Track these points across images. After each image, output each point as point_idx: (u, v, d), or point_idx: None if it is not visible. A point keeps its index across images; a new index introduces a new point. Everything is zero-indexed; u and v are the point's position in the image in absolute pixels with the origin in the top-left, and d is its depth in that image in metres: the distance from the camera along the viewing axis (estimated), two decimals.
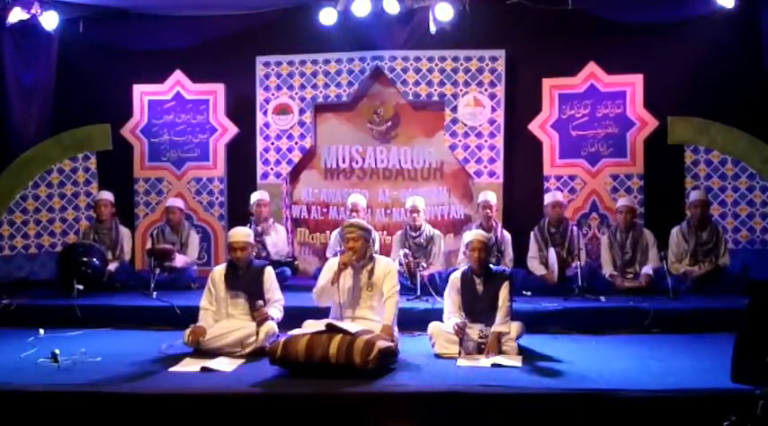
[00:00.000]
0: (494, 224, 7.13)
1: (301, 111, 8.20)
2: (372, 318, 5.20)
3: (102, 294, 6.89)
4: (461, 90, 7.93)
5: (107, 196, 7.71)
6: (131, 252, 7.83)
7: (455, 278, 5.48)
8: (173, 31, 8.14)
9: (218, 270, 5.62)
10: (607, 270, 7.07)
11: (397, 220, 8.10)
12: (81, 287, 6.71)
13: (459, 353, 5.12)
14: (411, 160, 8.21)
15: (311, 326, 4.95)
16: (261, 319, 5.34)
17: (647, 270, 6.87)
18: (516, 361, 4.98)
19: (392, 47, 8.05)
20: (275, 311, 5.47)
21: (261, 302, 5.42)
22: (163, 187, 8.30)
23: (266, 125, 8.25)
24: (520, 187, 7.97)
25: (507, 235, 7.20)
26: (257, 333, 5.27)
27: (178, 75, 8.32)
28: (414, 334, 5.73)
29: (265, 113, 8.25)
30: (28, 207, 8.14)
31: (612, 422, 4.20)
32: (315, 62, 8.16)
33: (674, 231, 7.07)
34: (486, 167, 7.88)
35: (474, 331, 5.20)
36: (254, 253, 6.13)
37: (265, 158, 8.23)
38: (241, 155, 8.32)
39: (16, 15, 7.66)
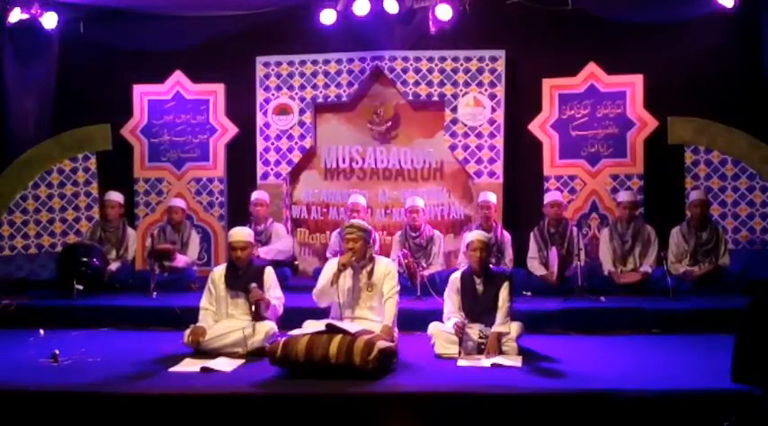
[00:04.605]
0: (493, 224, 7.13)
1: (301, 112, 8.20)
2: (372, 318, 5.20)
3: (103, 294, 6.90)
4: (461, 90, 7.93)
5: (115, 197, 7.69)
6: (134, 253, 7.82)
7: (455, 278, 5.48)
8: (173, 31, 8.12)
9: (219, 271, 5.62)
10: (606, 266, 7.07)
11: (397, 220, 8.09)
12: (81, 287, 6.72)
13: (459, 353, 5.12)
14: (411, 160, 8.21)
15: (311, 326, 4.95)
16: (256, 300, 5.31)
17: (646, 268, 6.90)
18: (516, 361, 4.98)
19: (392, 47, 8.05)
20: (274, 300, 5.46)
21: (254, 284, 5.38)
22: (163, 187, 8.30)
23: (266, 125, 8.25)
24: (520, 187, 7.96)
25: (507, 236, 7.21)
26: (254, 311, 5.28)
27: (178, 75, 8.32)
28: (414, 334, 5.73)
29: (265, 113, 8.25)
30: (28, 207, 8.14)
31: (612, 422, 4.20)
32: (315, 62, 8.16)
33: (674, 231, 7.07)
34: (486, 167, 7.88)
35: (474, 331, 5.20)
36: (255, 254, 6.13)
37: (265, 158, 8.23)
38: (241, 155, 8.32)
39: (16, 15, 7.67)
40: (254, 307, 5.33)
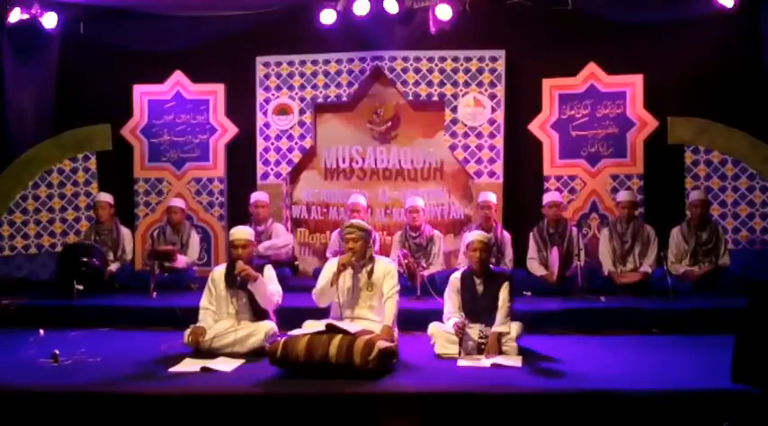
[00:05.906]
0: (493, 224, 7.14)
1: (301, 112, 8.20)
2: (372, 318, 5.20)
3: (102, 294, 6.90)
4: (461, 90, 7.93)
5: (105, 198, 7.71)
6: (132, 253, 7.82)
7: (455, 278, 5.48)
8: (173, 31, 8.13)
9: (219, 270, 5.62)
10: (606, 266, 7.07)
11: (397, 220, 8.09)
12: (81, 287, 6.72)
13: (459, 353, 5.12)
14: (411, 160, 8.21)
15: (311, 326, 4.96)
16: (244, 275, 5.31)
17: (646, 268, 6.91)
18: (516, 361, 4.98)
19: (392, 47, 8.04)
20: (270, 286, 5.46)
21: (240, 262, 5.39)
22: (163, 187, 8.29)
23: (266, 125, 8.25)
24: (520, 187, 7.96)
25: (507, 236, 7.21)
26: (240, 282, 5.35)
27: (178, 75, 8.32)
28: (414, 334, 5.73)
29: (265, 113, 8.25)
30: (28, 207, 8.14)
31: (612, 422, 4.20)
32: (315, 62, 8.16)
33: (674, 231, 7.07)
34: (486, 167, 7.88)
35: (474, 331, 5.20)
36: (255, 253, 6.14)
37: (265, 158, 8.23)
38: (241, 155, 8.31)
39: (16, 15, 7.68)
40: (239, 279, 5.33)
